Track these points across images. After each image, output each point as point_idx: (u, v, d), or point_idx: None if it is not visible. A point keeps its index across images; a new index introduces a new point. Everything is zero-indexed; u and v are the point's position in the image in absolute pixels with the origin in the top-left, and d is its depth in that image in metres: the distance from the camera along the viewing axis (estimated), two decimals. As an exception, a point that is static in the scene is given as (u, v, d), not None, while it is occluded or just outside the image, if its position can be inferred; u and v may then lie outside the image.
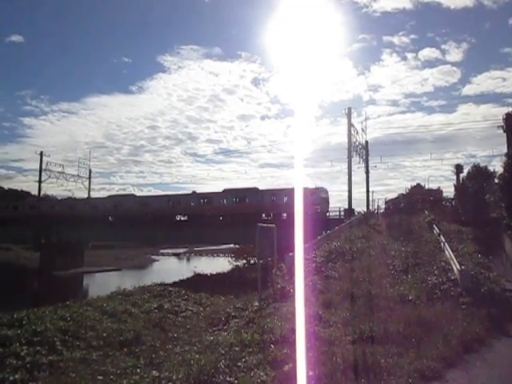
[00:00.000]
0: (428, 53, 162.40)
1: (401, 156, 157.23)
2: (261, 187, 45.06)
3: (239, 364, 6.30)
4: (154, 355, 9.19)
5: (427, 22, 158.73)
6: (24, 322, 11.59)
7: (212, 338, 9.07)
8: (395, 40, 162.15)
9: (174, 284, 23.81)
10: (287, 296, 11.32)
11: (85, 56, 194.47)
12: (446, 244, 15.37)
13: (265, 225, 12.80)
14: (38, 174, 57.77)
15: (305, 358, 5.65)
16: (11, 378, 8.39)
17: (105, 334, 11.72)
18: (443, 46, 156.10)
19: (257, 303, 11.94)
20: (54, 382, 8.02)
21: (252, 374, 5.86)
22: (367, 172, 42.28)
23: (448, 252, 14.16)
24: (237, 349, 7.10)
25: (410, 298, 10.08)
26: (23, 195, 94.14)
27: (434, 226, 20.66)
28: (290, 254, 14.80)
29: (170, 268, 57.27)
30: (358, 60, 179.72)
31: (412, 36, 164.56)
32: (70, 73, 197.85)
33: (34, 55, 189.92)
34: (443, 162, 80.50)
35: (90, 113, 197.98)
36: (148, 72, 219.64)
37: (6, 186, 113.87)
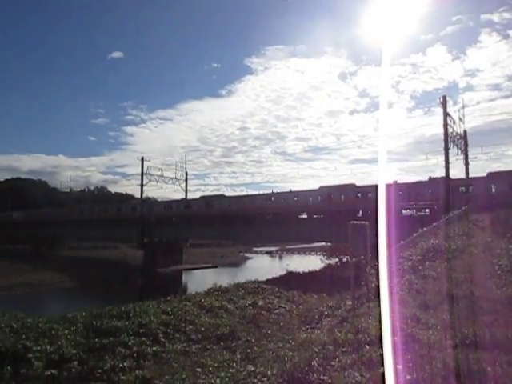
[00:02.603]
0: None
1: (505, 145, 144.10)
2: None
3: (333, 363, 6.22)
4: (249, 350, 9.41)
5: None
6: (131, 315, 12.54)
7: (305, 335, 9.05)
8: (495, 17, 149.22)
9: (267, 281, 24.19)
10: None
11: (178, 65, 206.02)
12: None
13: (357, 222, 12.49)
14: (139, 178, 61.98)
15: (402, 360, 5.43)
16: (121, 365, 9.13)
17: (203, 329, 12.25)
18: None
19: (350, 302, 11.71)
20: (158, 371, 8.55)
21: (346, 373, 5.75)
22: (467, 164, 39.40)
23: None
24: (330, 348, 7.02)
25: (521, 300, 9.17)
26: (127, 198, 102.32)
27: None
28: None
29: (262, 266, 58.33)
30: (452, 44, 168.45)
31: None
32: (165, 82, 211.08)
33: (133, 69, 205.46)
34: (557, 151, 72.31)
35: (185, 118, 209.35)
36: (236, 75, 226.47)
37: (113, 190, 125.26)
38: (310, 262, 48.02)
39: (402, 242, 16.82)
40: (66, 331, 10.66)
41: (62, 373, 8.73)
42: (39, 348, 9.44)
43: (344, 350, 6.89)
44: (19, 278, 42.52)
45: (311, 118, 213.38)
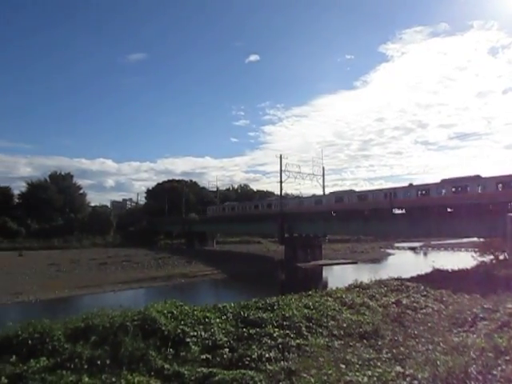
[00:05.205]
0: None
1: None
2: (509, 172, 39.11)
3: (494, 372, 5.59)
4: (395, 350, 9.04)
5: None
6: (275, 307, 13.02)
7: (458, 339, 8.37)
8: None
9: (411, 279, 22.93)
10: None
11: (311, 61, 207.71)
12: None
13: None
14: (278, 175, 63.62)
15: None
16: (267, 355, 9.52)
17: (345, 325, 12.15)
18: None
19: (511, 305, 10.47)
20: (302, 364, 8.69)
21: (512, 385, 5.14)
22: None
23: None
24: (490, 355, 6.34)
25: None
26: (268, 195, 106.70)
27: None
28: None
29: (405, 262, 55.49)
30: None
31: None
32: (299, 79, 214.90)
33: (269, 70, 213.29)
34: None
35: (319, 114, 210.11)
36: (371, 64, 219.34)
37: (255, 187, 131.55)
38: (458, 259, 44.07)
39: None
40: (218, 320, 11.54)
41: (215, 358, 9.47)
42: (195, 333, 10.39)
43: (507, 358, 6.16)
44: (176, 270, 47.32)
45: (456, 101, 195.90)
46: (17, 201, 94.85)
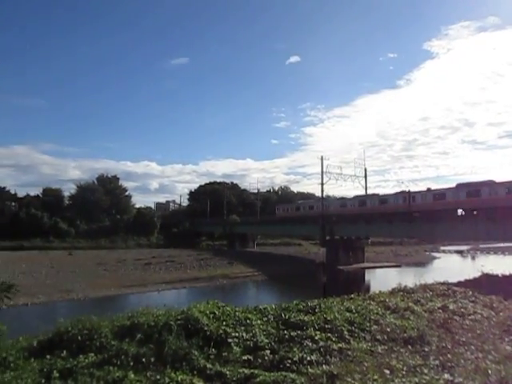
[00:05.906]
0: None
1: None
2: None
3: (553, 384, 5.31)
4: (441, 357, 8.73)
5: None
6: (316, 310, 12.88)
7: (510, 348, 7.98)
8: None
9: (458, 284, 22.16)
10: None
11: (352, 61, 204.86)
12: None
13: None
14: (319, 177, 63.14)
15: None
16: (308, 358, 9.42)
17: (388, 329, 11.84)
18: None
19: None
20: (344, 368, 8.54)
21: None
22: None
23: None
24: (547, 365, 6.02)
25: None
26: (308, 197, 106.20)
27: None
28: None
29: (451, 266, 53.66)
30: None
31: None
32: (340, 80, 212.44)
33: (310, 71, 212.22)
34: None
35: (361, 114, 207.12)
36: (414, 62, 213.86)
37: (295, 189, 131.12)
38: (509, 263, 42.12)
39: None
40: (259, 321, 11.55)
41: (256, 359, 9.47)
42: (237, 334, 10.44)
43: None
44: (218, 271, 47.97)
45: (506, 98, 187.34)
46: (67, 202, 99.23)
